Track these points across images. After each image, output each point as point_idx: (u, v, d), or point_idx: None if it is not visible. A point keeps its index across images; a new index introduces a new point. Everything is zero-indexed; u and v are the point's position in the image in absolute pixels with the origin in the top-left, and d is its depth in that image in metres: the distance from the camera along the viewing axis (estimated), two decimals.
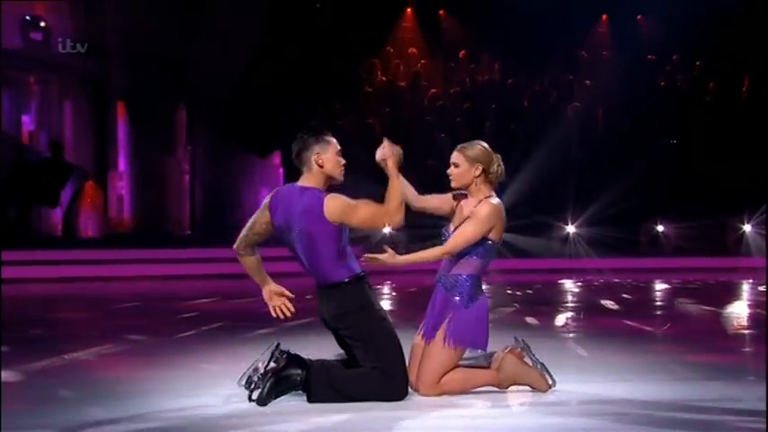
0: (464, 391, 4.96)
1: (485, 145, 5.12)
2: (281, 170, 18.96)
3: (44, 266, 13.73)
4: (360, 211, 4.85)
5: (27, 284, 12.51)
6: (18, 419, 4.56)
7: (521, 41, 20.56)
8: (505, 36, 20.72)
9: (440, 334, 4.93)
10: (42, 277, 13.14)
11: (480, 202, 5.04)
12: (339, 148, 5.07)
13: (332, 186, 5.05)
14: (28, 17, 16.62)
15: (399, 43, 22.45)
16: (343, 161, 5.05)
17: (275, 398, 4.81)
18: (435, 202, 5.30)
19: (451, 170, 5.12)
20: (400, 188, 4.91)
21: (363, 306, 4.89)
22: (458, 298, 4.97)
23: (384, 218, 4.90)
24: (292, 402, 4.84)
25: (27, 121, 17.23)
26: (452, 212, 5.21)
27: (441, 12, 22.22)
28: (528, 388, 5.03)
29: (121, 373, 5.86)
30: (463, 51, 22.25)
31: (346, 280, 4.89)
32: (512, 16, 20.36)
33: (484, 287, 5.11)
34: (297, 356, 4.91)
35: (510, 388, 5.02)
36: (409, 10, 22.26)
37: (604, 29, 22.24)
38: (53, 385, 5.39)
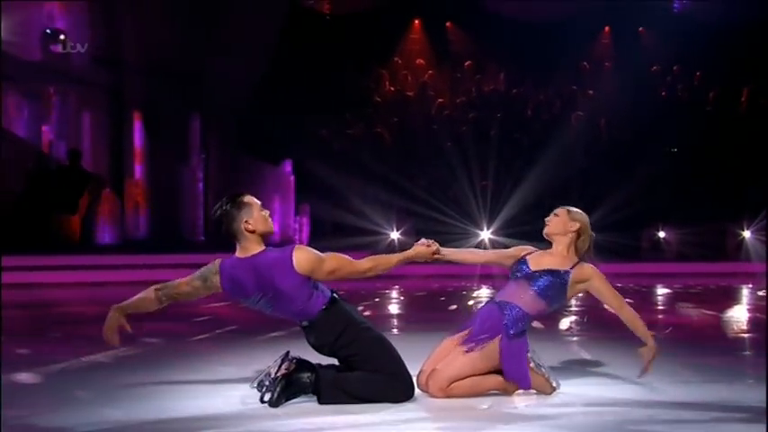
0: (471, 395, 4.96)
1: (586, 217, 5.36)
2: (292, 178, 18.98)
3: (63, 271, 13.77)
4: (327, 265, 4.84)
5: (46, 289, 12.54)
6: (38, 420, 4.57)
7: (525, 53, 20.58)
8: (510, 47, 20.75)
9: (482, 350, 4.93)
10: (61, 282, 13.17)
11: (575, 265, 5.24)
12: (259, 202, 5.00)
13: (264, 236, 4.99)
14: (48, 30, 16.69)
15: (407, 54, 22.49)
16: (267, 212, 5.01)
17: (286, 400, 4.82)
18: (494, 257, 5.48)
19: (550, 218, 5.28)
20: (390, 266, 4.96)
21: (348, 324, 4.89)
22: (512, 330, 4.96)
23: (352, 273, 4.93)
24: (304, 404, 4.84)
25: (47, 131, 17.29)
26: (510, 263, 5.28)
27: (447, 24, 22.26)
28: (533, 391, 5.02)
29: (138, 375, 5.86)
30: (469, 62, 22.27)
31: (323, 308, 4.90)
32: (516, 28, 20.39)
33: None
34: (307, 361, 4.93)
35: (516, 392, 5.01)
36: (417, 22, 22.31)
37: (607, 40, 22.26)
38: (72, 387, 5.40)
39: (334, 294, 4.97)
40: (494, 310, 5.07)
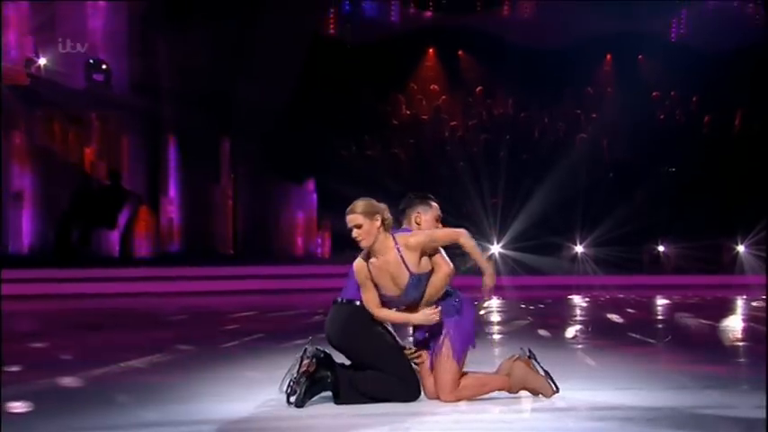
0: (479, 395, 4.93)
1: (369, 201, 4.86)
2: (314, 196, 18.99)
3: (103, 283, 13.83)
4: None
5: (87, 299, 12.60)
6: (79, 422, 4.58)
7: (532, 79, 20.57)
8: (518, 74, 20.74)
9: (445, 348, 4.88)
10: (101, 293, 13.23)
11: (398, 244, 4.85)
12: (439, 213, 5.04)
13: None
14: (91, 60, 16.84)
15: (422, 80, 22.52)
16: (439, 226, 5.02)
17: (311, 398, 4.82)
18: None
19: (356, 233, 4.78)
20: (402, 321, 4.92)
21: (365, 324, 4.88)
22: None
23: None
24: (325, 405, 4.84)
25: (89, 153, 17.41)
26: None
27: (459, 52, 22.28)
28: (536, 396, 4.99)
29: (172, 379, 5.86)
30: (480, 88, 22.27)
31: (344, 300, 4.91)
32: (524, 56, 20.39)
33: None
34: (325, 358, 4.90)
35: (521, 393, 4.98)
36: (431, 51, 22.34)
37: (609, 68, 22.21)
38: (111, 390, 5.41)
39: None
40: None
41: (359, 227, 4.75)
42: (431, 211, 4.99)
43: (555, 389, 4.98)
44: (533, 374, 4.97)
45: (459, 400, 4.88)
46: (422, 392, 4.90)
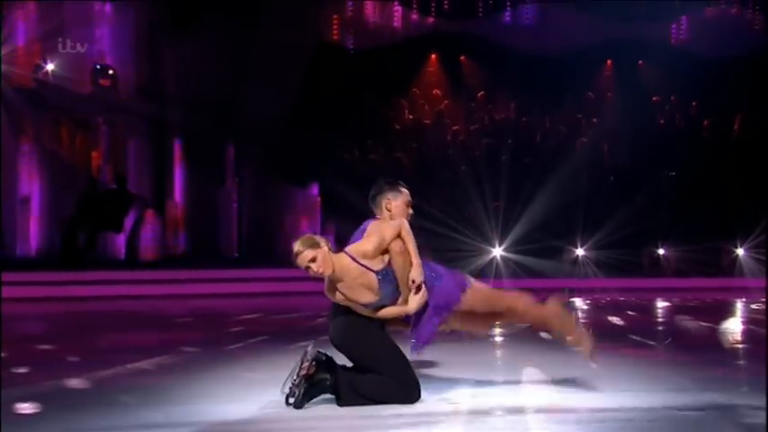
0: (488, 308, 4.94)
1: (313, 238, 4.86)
2: (318, 199, 19.00)
3: (109, 285, 13.83)
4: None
5: (94, 302, 12.61)
6: (85, 423, 4.59)
7: (534, 84, 20.57)
8: (520, 79, 20.74)
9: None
10: (107, 295, 13.24)
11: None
12: (410, 199, 5.07)
13: None
14: (98, 66, 16.88)
15: (424, 85, 22.52)
16: (411, 212, 5.06)
17: (309, 400, 4.83)
18: None
19: (312, 268, 4.77)
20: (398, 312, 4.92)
21: (365, 326, 4.88)
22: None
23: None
24: (328, 406, 4.84)
25: (96, 157, 17.45)
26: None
27: (462, 57, 22.28)
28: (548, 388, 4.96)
29: (177, 381, 5.87)
30: (482, 92, 22.28)
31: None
32: (525, 62, 20.40)
33: None
34: (326, 362, 4.91)
35: (523, 393, 4.96)
36: (434, 56, 22.35)
37: (609, 73, 22.21)
38: (117, 392, 5.42)
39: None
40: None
41: (313, 260, 4.71)
42: (401, 197, 5.04)
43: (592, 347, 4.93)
44: (571, 319, 4.98)
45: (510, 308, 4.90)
46: (421, 395, 4.90)
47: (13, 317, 10.65)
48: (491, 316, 5.11)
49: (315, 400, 4.87)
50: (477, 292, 5.00)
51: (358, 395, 4.84)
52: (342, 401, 4.85)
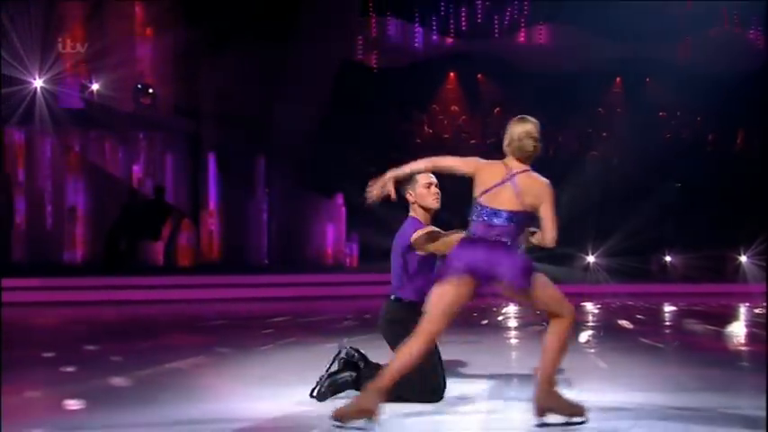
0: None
1: None
2: (343, 209, 19.00)
3: (148, 290, 13.84)
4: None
5: (134, 306, 12.67)
6: (127, 418, 4.62)
7: (546, 100, 20.49)
8: (533, 96, 20.67)
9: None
10: (147, 299, 13.28)
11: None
12: (428, 180, 5.03)
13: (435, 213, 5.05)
14: (139, 85, 17.02)
15: (444, 102, 22.52)
16: (435, 190, 5.02)
17: (333, 395, 4.84)
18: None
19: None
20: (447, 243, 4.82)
21: (397, 321, 4.88)
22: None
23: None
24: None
25: (136, 170, 17.56)
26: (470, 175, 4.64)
27: (479, 76, 22.27)
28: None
29: (212, 380, 5.89)
30: (498, 108, 22.24)
31: (396, 298, 4.93)
32: (538, 80, 20.34)
33: None
34: (354, 360, 4.92)
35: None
36: (452, 74, 22.35)
37: (618, 89, 22.10)
38: (156, 390, 5.45)
39: (419, 302, 4.91)
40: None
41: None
42: (417, 184, 5.01)
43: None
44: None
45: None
46: (443, 394, 4.88)
47: (60, 320, 10.75)
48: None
49: (337, 395, 4.86)
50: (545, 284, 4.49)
51: None
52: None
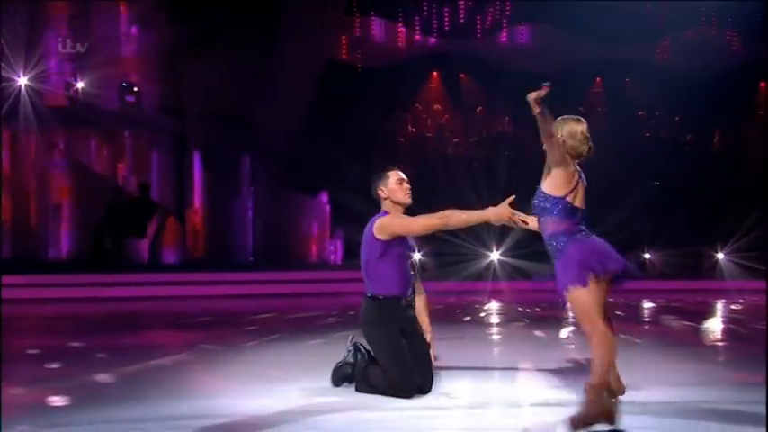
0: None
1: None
2: (327, 207, 19.01)
3: (133, 287, 13.81)
4: (393, 228, 4.92)
5: (119, 302, 12.63)
6: (113, 413, 4.61)
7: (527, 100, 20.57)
8: (515, 95, 20.72)
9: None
10: (132, 296, 13.24)
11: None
12: (399, 177, 5.08)
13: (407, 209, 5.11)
14: (124, 83, 16.94)
15: (427, 101, 22.54)
16: (407, 186, 5.07)
17: (339, 383, 5.08)
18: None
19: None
20: (462, 223, 5.03)
21: (374, 323, 4.93)
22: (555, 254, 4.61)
23: (423, 228, 4.90)
24: (345, 398, 4.85)
25: (122, 168, 17.49)
26: None
27: (461, 75, 22.31)
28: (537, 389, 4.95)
29: (197, 376, 5.89)
30: (480, 108, 22.30)
31: (371, 295, 4.98)
32: (520, 79, 20.37)
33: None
34: (356, 352, 5.07)
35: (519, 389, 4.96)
36: (435, 74, 22.38)
37: (599, 89, 22.22)
38: (141, 386, 5.44)
39: (393, 295, 4.96)
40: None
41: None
42: (388, 180, 5.06)
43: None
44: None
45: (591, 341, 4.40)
46: (413, 394, 4.87)
47: (45, 316, 10.69)
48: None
49: (345, 384, 5.03)
50: (578, 299, 4.47)
51: (367, 384, 4.94)
52: (357, 389, 4.98)
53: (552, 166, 4.50)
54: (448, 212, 4.87)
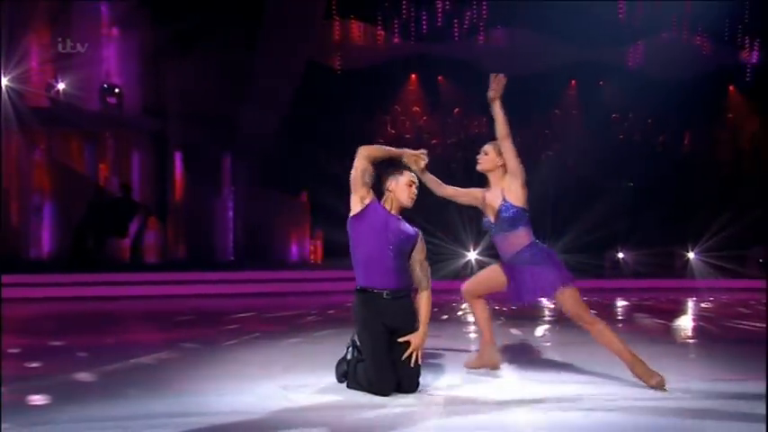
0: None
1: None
2: (307, 207, 18.98)
3: (115, 286, 13.74)
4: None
5: (101, 302, 12.54)
6: (94, 412, 4.57)
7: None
8: None
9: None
10: (113, 295, 13.16)
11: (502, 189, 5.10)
12: (412, 179, 5.10)
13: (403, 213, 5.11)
14: (105, 85, 16.80)
15: (405, 103, 22.58)
16: (414, 191, 5.08)
17: (338, 380, 5.14)
18: (453, 191, 5.44)
19: (481, 156, 5.23)
20: (379, 155, 5.04)
21: (356, 317, 4.96)
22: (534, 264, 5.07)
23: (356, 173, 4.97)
24: (332, 395, 4.83)
25: (103, 168, 17.35)
26: (464, 201, 5.39)
27: (439, 78, 22.37)
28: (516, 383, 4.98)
29: (178, 374, 5.85)
30: (458, 109, 22.36)
31: (356, 289, 5.02)
32: None
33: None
34: (353, 349, 5.09)
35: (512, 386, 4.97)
36: (414, 76, 22.43)
37: (574, 92, 22.36)
38: (122, 384, 5.39)
39: (363, 287, 4.94)
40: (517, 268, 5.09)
41: (485, 153, 5.21)
42: (402, 178, 5.09)
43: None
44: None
45: (596, 332, 5.10)
46: (388, 392, 4.86)
47: (26, 315, 10.58)
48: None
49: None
50: (572, 295, 5.06)
51: (355, 380, 4.98)
52: (348, 385, 5.09)
53: (512, 173, 4.70)
54: (364, 146, 5.03)
